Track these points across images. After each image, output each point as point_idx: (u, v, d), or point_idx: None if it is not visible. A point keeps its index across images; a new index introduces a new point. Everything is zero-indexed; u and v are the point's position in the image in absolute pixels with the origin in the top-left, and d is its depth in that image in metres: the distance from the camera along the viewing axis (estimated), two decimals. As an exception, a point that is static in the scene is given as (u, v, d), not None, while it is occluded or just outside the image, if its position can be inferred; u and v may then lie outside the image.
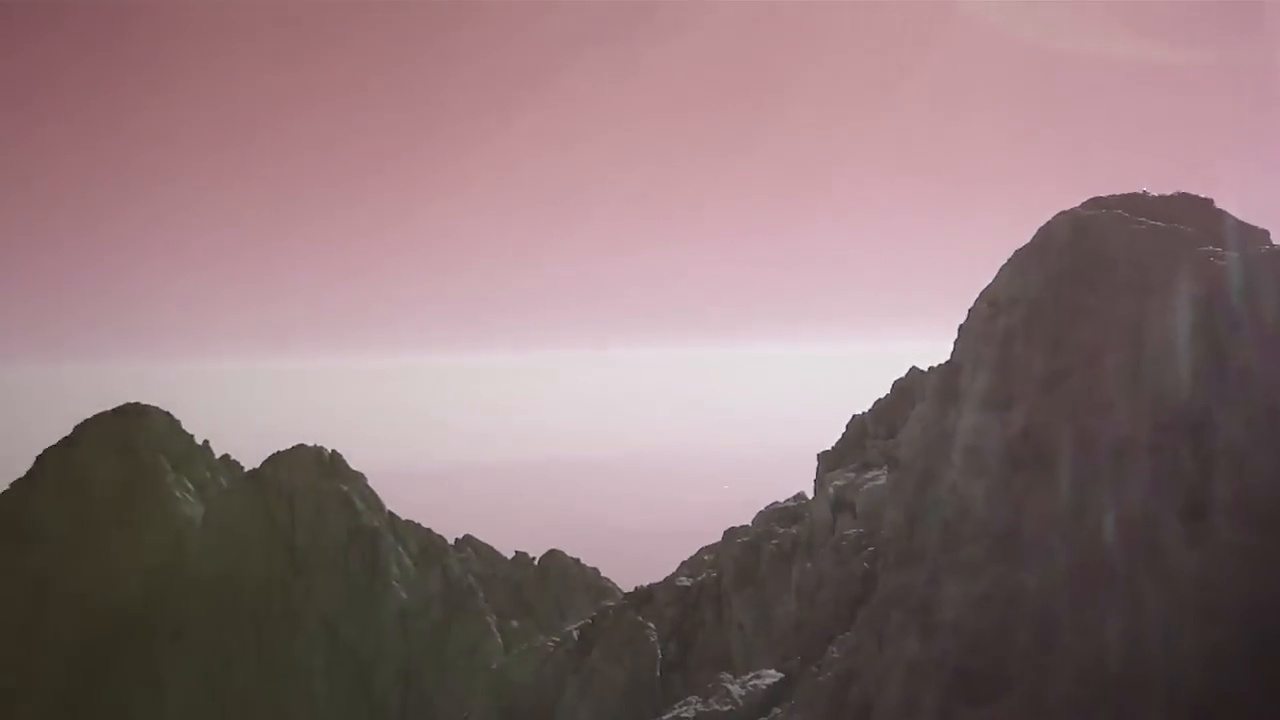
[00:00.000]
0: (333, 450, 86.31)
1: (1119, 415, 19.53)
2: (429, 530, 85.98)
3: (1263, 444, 17.88)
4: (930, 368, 32.65)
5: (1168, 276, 19.87)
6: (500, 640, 75.84)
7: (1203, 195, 22.67)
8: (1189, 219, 21.35)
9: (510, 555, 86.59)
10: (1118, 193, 22.71)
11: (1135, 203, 22.01)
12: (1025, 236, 22.40)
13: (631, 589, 63.51)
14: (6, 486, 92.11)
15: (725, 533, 32.47)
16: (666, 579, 33.94)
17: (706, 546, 36.78)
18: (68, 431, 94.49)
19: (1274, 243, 20.99)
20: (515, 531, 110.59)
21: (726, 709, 22.42)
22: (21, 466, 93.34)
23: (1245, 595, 17.59)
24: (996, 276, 22.06)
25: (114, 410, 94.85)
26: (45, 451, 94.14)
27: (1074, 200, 22.70)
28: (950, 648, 19.57)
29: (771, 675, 23.23)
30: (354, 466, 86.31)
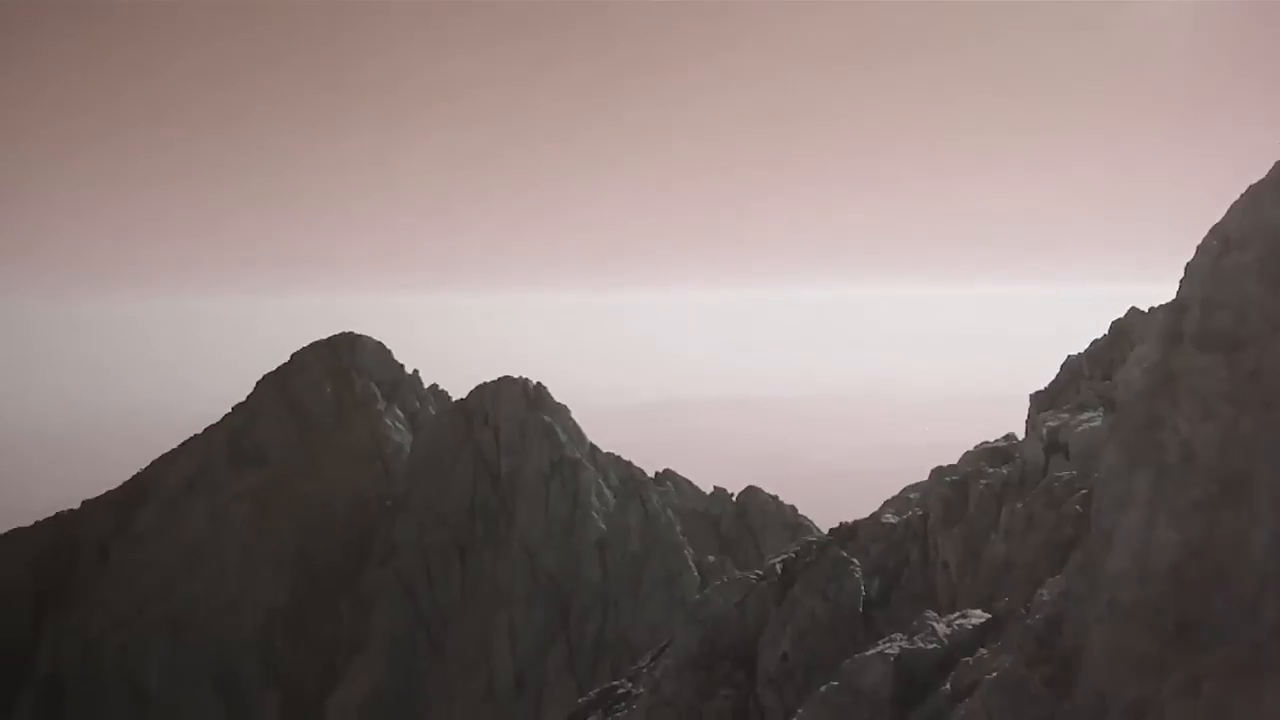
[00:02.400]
0: (537, 382, 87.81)
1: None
2: (630, 463, 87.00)
3: None
4: (1151, 309, 31.68)
5: None
6: (696, 574, 76.50)
7: None
8: None
9: (709, 491, 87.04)
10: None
11: (1382, 136, 20.80)
12: (1257, 173, 21.43)
13: (828, 527, 63.32)
14: (229, 410, 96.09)
15: (932, 471, 32.03)
16: (871, 515, 33.66)
17: (911, 485, 36.34)
18: (285, 360, 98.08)
19: None
20: (714, 468, 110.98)
21: (932, 647, 22.20)
22: (242, 392, 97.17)
23: None
24: (1229, 212, 21.13)
25: (328, 339, 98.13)
26: (264, 378, 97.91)
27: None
28: (1167, 594, 19.02)
29: (978, 615, 22.92)
30: (558, 399, 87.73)
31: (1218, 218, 22.10)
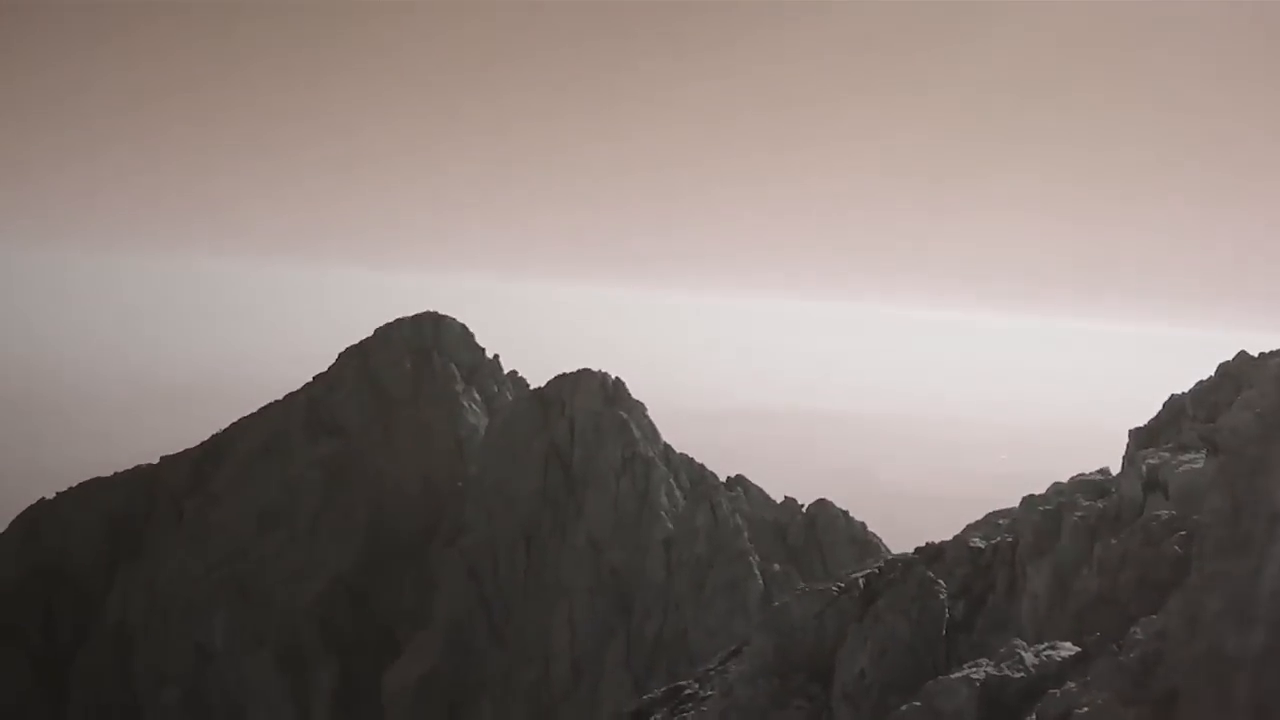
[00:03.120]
0: (616, 377, 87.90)
1: None
2: (702, 466, 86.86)
3: None
4: (1261, 354, 31.14)
5: None
6: (761, 582, 76.20)
7: None
8: None
9: (779, 500, 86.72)
10: None
11: None
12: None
13: (898, 546, 62.70)
14: (309, 380, 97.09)
15: (1023, 499, 31.55)
16: (957, 537, 33.28)
17: (998, 510, 35.92)
18: (369, 334, 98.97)
19: None
20: (786, 478, 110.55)
21: (1019, 675, 21.90)
22: (325, 363, 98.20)
23: None
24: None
25: (412, 317, 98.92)
26: (346, 350, 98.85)
27: None
28: (1271, 643, 18.64)
29: (1067, 648, 22.57)
30: (636, 396, 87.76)
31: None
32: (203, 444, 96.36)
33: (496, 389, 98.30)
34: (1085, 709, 19.35)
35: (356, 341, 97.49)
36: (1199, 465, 26.31)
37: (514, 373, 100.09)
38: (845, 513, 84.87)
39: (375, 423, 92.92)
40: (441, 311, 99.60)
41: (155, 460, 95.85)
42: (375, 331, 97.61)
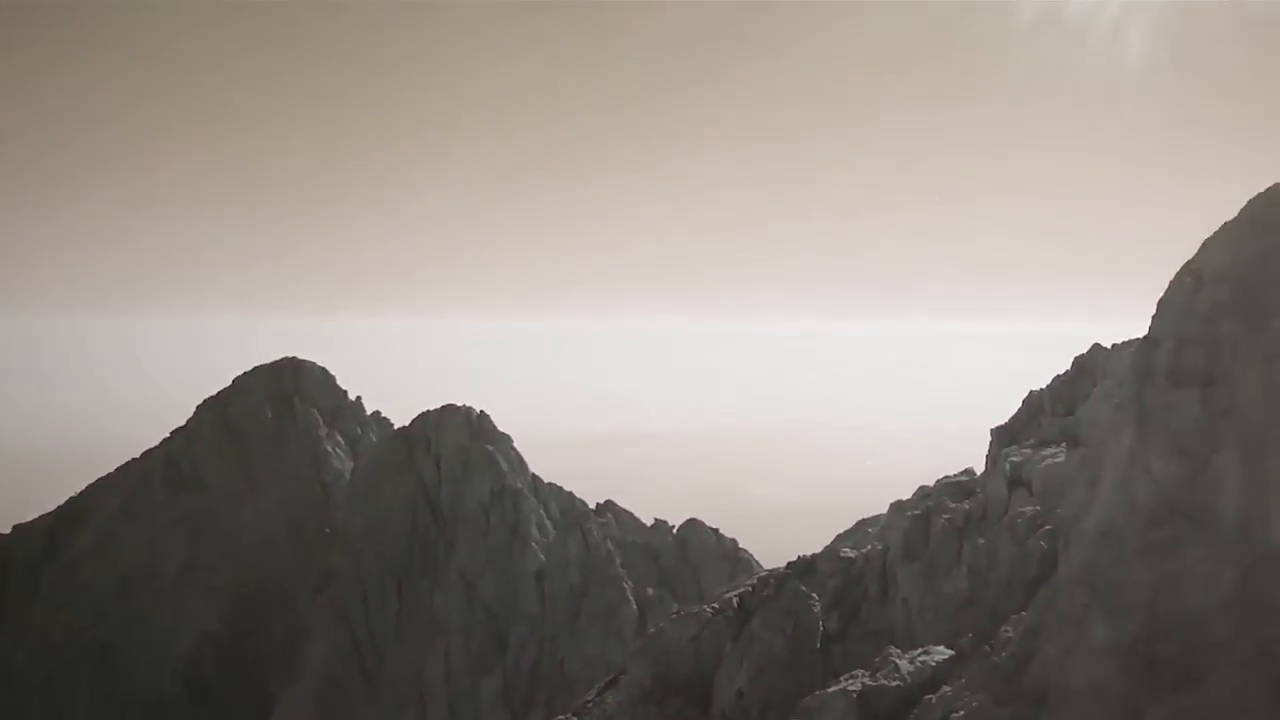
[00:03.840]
0: (481, 411, 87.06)
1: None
2: (571, 494, 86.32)
3: None
4: (1114, 345, 31.62)
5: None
6: (635, 607, 75.85)
7: None
8: None
9: (649, 523, 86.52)
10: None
11: (1353, 177, 20.80)
12: (1222, 209, 21.38)
13: (770, 561, 62.79)
14: (167, 434, 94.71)
15: (891, 505, 31.69)
16: (828, 548, 33.27)
17: (867, 519, 36.04)
18: (226, 383, 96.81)
19: None
20: (656, 500, 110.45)
21: (894, 684, 21.79)
22: (182, 416, 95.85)
23: None
24: (1202, 249, 21.03)
25: (271, 364, 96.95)
26: (204, 401, 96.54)
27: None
28: (1138, 633, 18.75)
29: (941, 652, 22.54)
30: (501, 428, 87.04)
31: (1183, 255, 22.01)
32: (57, 509, 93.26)
33: (360, 431, 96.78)
34: (961, 712, 19.27)
35: (215, 392, 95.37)
36: (1061, 460, 26.56)
37: (377, 413, 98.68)
38: (716, 531, 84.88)
39: (237, 474, 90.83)
40: (301, 356, 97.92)
41: (5, 530, 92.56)
42: (233, 381, 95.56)
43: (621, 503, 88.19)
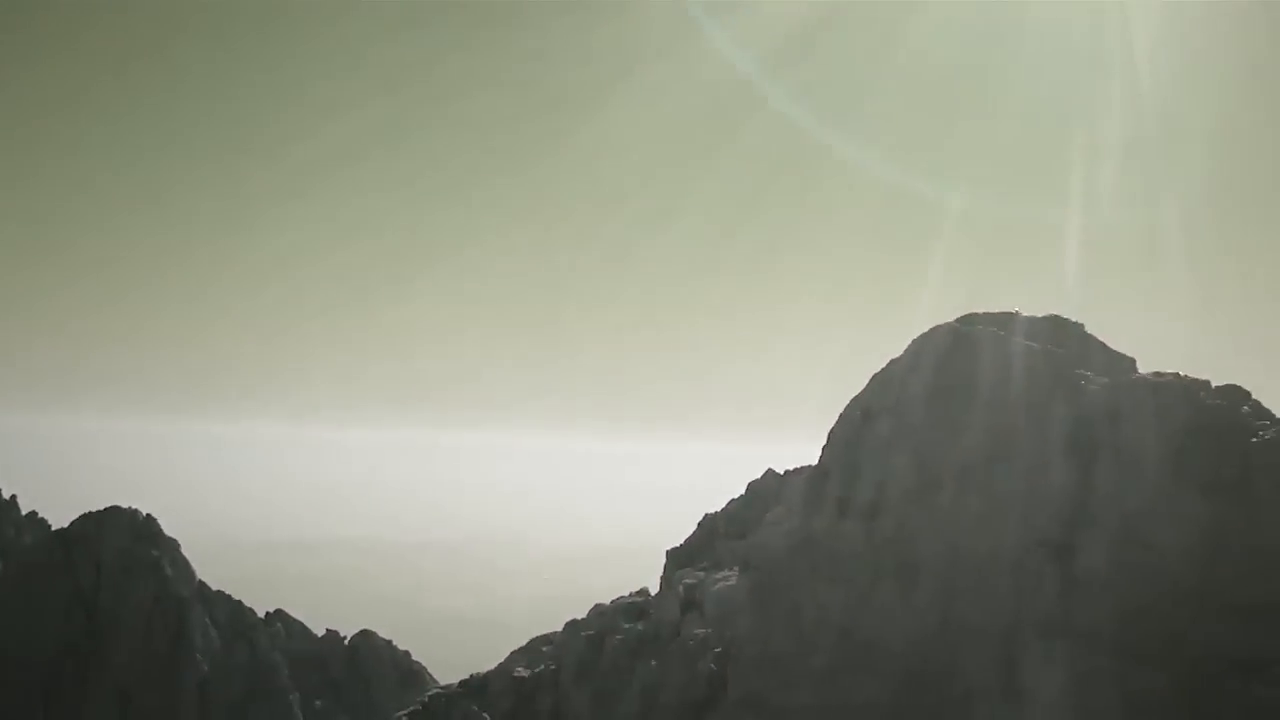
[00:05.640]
0: (148, 514, 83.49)
1: (985, 531, 19.59)
2: (239, 602, 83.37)
3: (1123, 570, 18.04)
4: (786, 471, 32.71)
5: (1040, 398, 20.10)
6: (302, 719, 73.67)
7: (1074, 319, 23.06)
8: (1061, 341, 21.71)
9: (321, 633, 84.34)
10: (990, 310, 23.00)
11: (1008, 321, 22.31)
12: (891, 347, 22.53)
13: (444, 674, 61.98)
14: None
15: (566, 624, 31.68)
16: (500, 667, 33.02)
17: (541, 636, 35.96)
18: None
19: (1139, 370, 21.36)
20: (330, 610, 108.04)
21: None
22: None
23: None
24: (869, 384, 22.11)
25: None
26: None
27: (947, 314, 22.90)
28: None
29: (611, 774, 22.58)
30: (171, 533, 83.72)
31: (855, 388, 23.12)
32: None
33: (14, 532, 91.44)
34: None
35: None
36: (733, 583, 27.14)
37: (34, 514, 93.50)
38: (389, 642, 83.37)
39: None
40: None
41: None
42: None
43: (294, 612, 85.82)
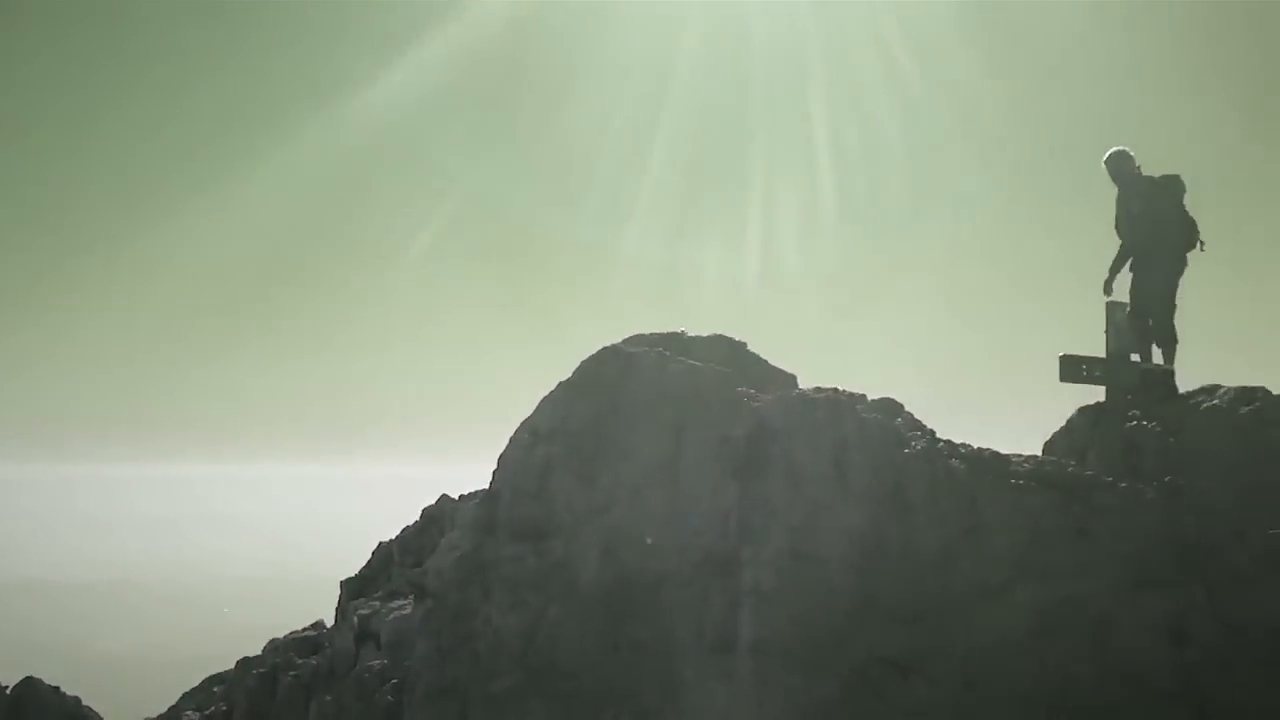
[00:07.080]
0: None
1: (654, 551, 19.87)
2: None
3: (789, 583, 18.56)
4: (462, 495, 32.48)
5: (704, 416, 20.53)
6: (-41, 780, 69.03)
7: (737, 338, 23.70)
8: (725, 360, 22.28)
9: (-22, 685, 79.26)
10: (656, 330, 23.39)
11: (675, 341, 22.78)
12: (561, 368, 22.64)
13: (116, 719, 59.20)
14: None
15: (238, 662, 30.62)
16: (171, 710, 31.76)
17: (214, 676, 34.67)
18: None
19: (800, 387, 22.08)
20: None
21: None
22: None
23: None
24: (539, 407, 22.21)
25: None
26: None
27: (616, 334, 23.16)
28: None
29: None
30: None
31: (524, 411, 23.12)
32: None
33: None
34: None
35: None
36: (407, 611, 26.75)
37: None
38: (56, 689, 79.17)
39: None
40: None
41: None
42: None
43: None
